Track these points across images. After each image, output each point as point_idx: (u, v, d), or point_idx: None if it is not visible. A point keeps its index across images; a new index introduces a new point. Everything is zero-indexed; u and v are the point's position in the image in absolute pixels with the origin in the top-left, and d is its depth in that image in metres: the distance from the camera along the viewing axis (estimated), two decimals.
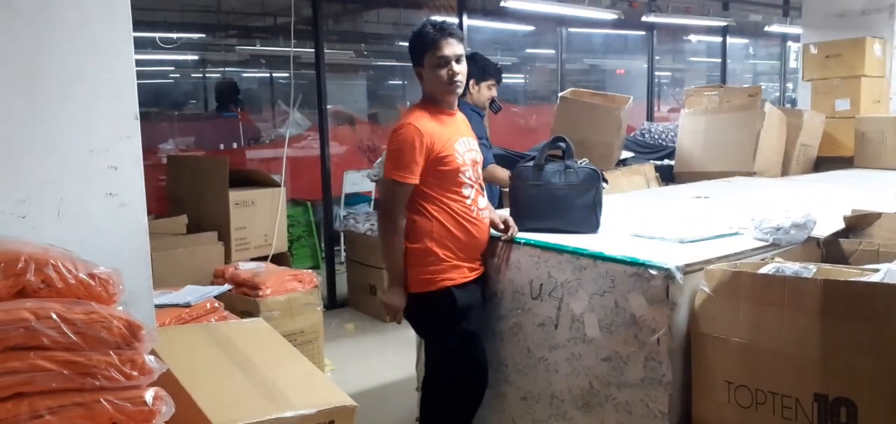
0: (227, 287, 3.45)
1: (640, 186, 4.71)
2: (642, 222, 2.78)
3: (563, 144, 2.68)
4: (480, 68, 3.82)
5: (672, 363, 2.09)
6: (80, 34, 2.44)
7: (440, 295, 2.48)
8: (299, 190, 6.84)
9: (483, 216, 2.57)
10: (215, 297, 3.26)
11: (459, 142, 2.53)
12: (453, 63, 2.49)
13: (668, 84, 12.23)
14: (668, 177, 5.41)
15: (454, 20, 6.21)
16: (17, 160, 2.32)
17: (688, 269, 2.10)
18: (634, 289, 2.15)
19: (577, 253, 2.33)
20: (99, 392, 1.46)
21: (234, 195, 4.24)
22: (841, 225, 2.50)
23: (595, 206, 2.64)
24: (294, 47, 5.39)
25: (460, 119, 2.64)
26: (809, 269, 2.10)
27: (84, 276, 1.54)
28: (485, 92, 3.82)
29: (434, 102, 2.55)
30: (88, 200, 2.52)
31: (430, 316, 2.53)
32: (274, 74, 10.07)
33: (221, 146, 7.33)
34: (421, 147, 2.42)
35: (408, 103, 9.70)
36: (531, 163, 2.70)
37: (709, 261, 2.16)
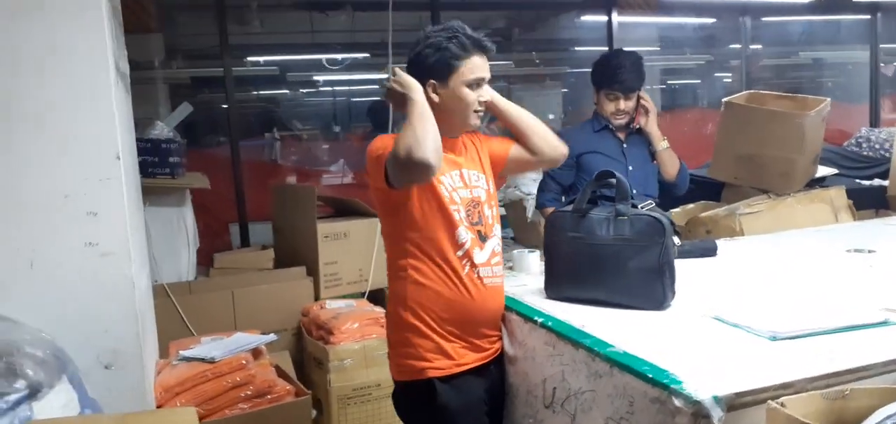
0: (271, 337, 3.10)
1: (823, 219, 3.58)
2: (743, 293, 1.92)
3: (613, 180, 1.91)
4: (598, 73, 2.93)
5: None
6: (48, 69, 2.18)
7: (419, 389, 1.87)
8: None
9: (483, 274, 1.90)
10: (253, 348, 2.91)
11: (450, 174, 1.90)
12: (485, 85, 1.95)
13: None
14: (877, 202, 4.13)
15: None
16: None
17: (740, 402, 1.27)
18: None
19: (593, 350, 1.57)
20: None
21: (324, 227, 3.90)
22: None
23: (660, 271, 1.82)
24: None
25: (469, 149, 2.00)
26: None
27: None
28: (605, 103, 2.84)
29: None
30: (65, 250, 2.26)
31: (409, 412, 1.92)
32: None
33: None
34: None
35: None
36: (570, 208, 1.96)
37: (788, 386, 1.30)
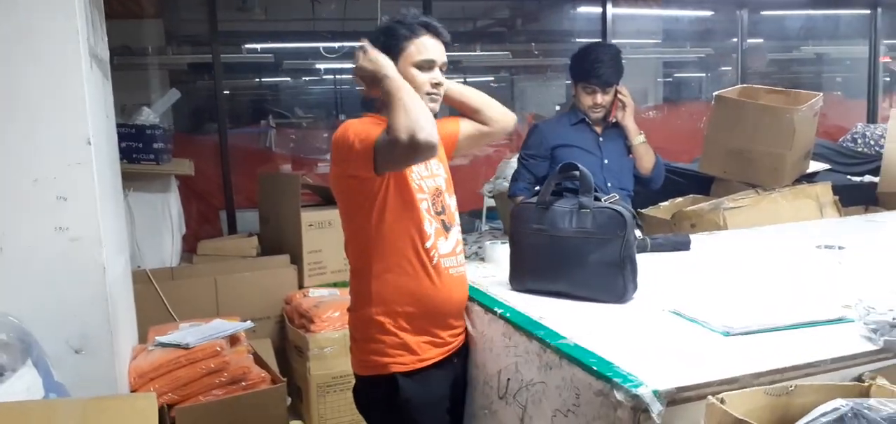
0: (249, 324, 3.10)
1: (808, 215, 3.55)
2: (707, 288, 1.91)
3: (577, 172, 1.89)
4: (576, 66, 2.93)
5: None
6: (17, 53, 2.18)
7: (382, 384, 1.86)
8: None
9: (447, 264, 1.87)
10: (231, 334, 2.91)
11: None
12: (438, 69, 1.88)
13: None
14: (867, 198, 4.09)
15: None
16: None
17: (682, 396, 1.26)
18: (598, 418, 1.35)
19: (545, 342, 1.56)
20: None
21: (308, 215, 3.89)
22: None
23: (621, 265, 1.81)
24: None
25: None
26: None
27: None
28: (582, 96, 2.84)
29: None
30: (34, 235, 2.25)
31: (369, 407, 1.92)
32: (469, 79, 9.76)
33: None
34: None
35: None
36: (534, 200, 1.95)
37: (733, 381, 1.29)
